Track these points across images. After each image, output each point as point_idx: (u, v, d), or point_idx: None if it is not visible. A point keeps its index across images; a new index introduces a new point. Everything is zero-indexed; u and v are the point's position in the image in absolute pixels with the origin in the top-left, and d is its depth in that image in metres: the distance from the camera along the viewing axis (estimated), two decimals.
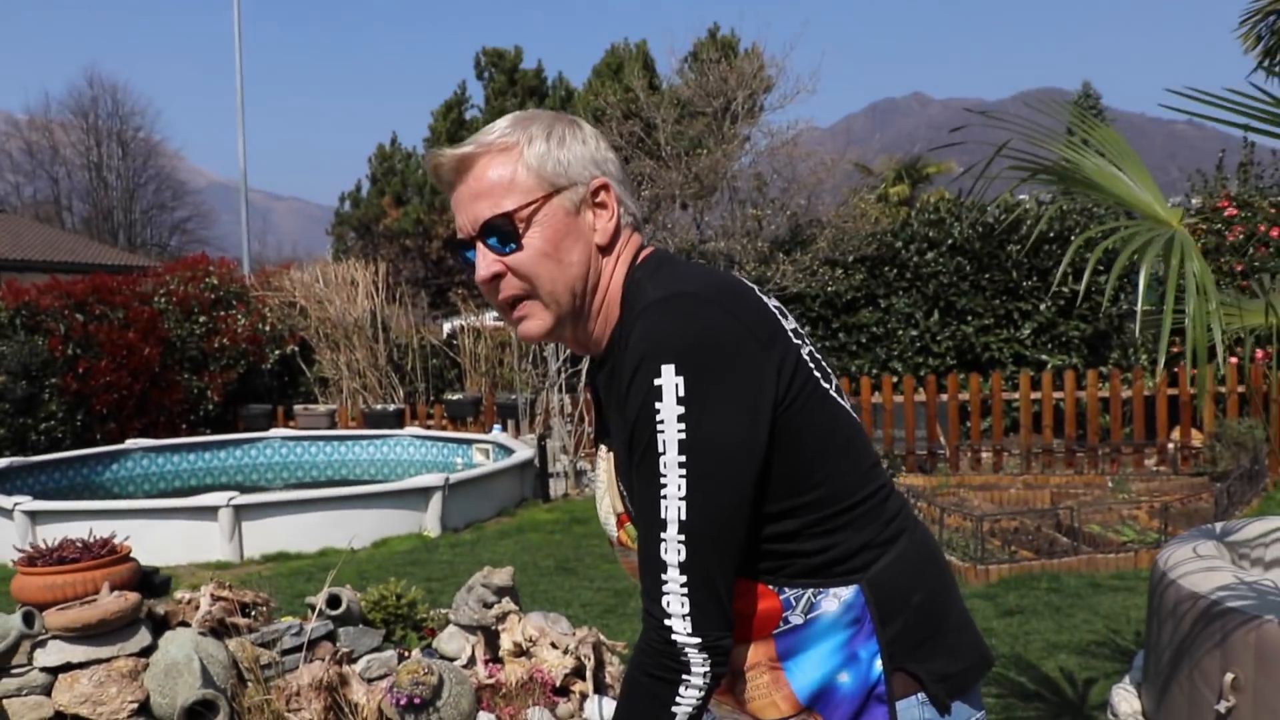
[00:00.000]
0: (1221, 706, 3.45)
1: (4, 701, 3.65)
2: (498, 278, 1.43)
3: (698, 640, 1.30)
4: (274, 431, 12.94)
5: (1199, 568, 3.92)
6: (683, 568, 1.29)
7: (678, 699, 1.32)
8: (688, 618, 1.30)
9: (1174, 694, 3.77)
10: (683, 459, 1.28)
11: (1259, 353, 9.63)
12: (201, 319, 14.04)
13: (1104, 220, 10.00)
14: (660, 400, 1.29)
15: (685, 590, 1.30)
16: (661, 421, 1.29)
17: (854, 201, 14.07)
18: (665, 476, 1.30)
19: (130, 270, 18.98)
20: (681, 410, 1.28)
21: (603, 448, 1.56)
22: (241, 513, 7.97)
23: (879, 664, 1.41)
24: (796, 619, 1.42)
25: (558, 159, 1.42)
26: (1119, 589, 6.18)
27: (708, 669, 1.31)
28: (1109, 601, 5.93)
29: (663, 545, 1.30)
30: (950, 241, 12.50)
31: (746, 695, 1.47)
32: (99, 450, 11.57)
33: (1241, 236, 10.94)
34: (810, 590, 1.41)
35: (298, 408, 13.94)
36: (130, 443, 11.89)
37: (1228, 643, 3.45)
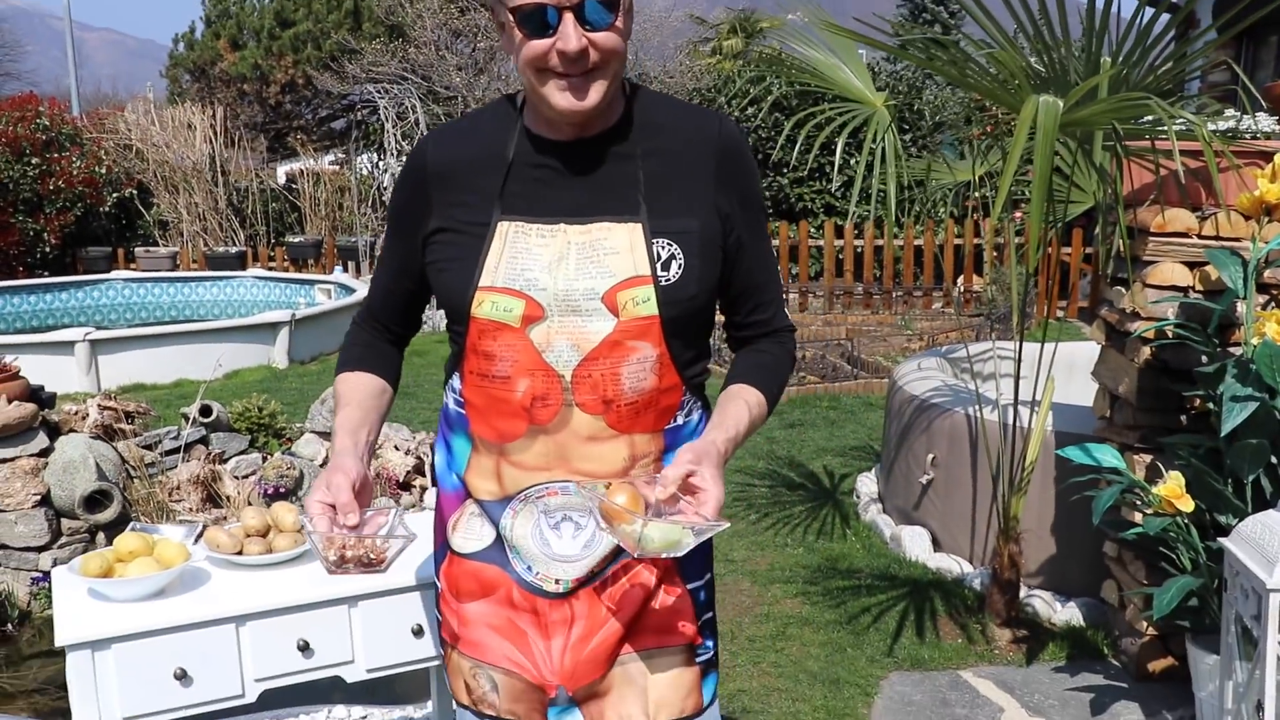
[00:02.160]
0: (924, 479, 4.47)
1: None
2: (584, 51, 1.50)
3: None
4: (116, 273, 13.02)
5: (919, 377, 4.92)
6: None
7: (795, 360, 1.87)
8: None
9: (896, 474, 4.79)
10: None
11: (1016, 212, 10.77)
12: (34, 161, 13.84)
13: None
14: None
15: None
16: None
17: (680, 58, 14.63)
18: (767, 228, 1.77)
19: None
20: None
21: (565, 224, 1.61)
22: (97, 347, 8.40)
23: None
24: (680, 419, 1.72)
25: None
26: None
27: None
28: (875, 417, 7.01)
29: (778, 271, 1.78)
30: (771, 98, 13.30)
31: (633, 476, 1.71)
32: None
33: None
34: (694, 399, 1.74)
35: (139, 250, 14.03)
36: None
37: (930, 430, 4.45)
